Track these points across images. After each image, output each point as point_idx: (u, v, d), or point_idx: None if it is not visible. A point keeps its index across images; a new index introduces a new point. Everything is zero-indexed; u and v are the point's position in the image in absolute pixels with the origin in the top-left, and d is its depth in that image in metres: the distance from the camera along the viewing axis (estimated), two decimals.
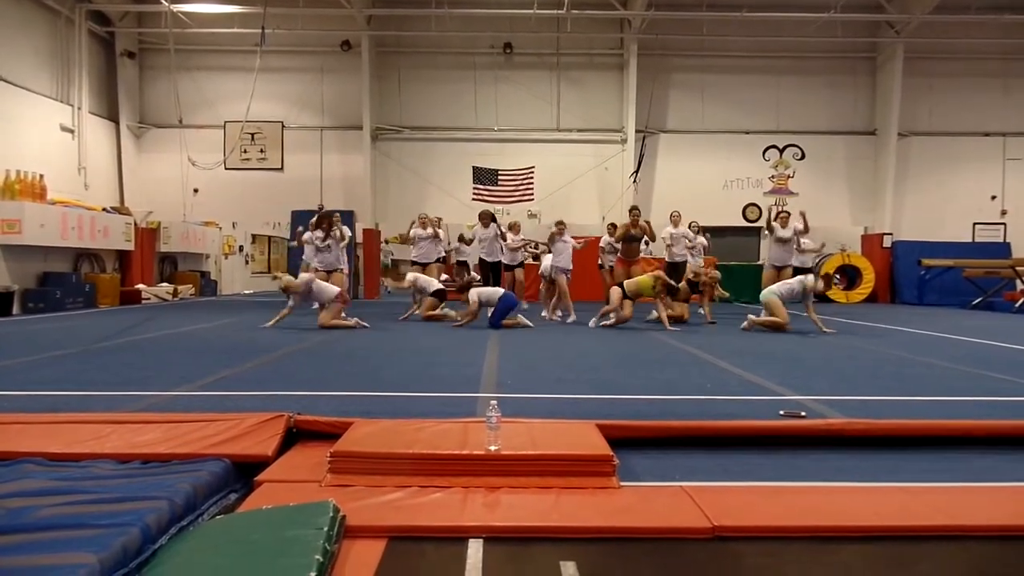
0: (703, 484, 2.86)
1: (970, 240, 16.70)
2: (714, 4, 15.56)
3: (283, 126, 16.82)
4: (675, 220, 11.27)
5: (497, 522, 2.45)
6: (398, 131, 16.90)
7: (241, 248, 18.95)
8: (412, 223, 11.31)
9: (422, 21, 15.97)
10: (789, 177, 17.04)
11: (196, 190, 16.91)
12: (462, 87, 16.85)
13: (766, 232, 10.44)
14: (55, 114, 14.20)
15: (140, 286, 14.24)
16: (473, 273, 11.59)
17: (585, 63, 17.00)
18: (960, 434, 3.53)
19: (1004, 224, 16.88)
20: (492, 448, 2.88)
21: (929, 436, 3.49)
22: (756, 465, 3.16)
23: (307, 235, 10.98)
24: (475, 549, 2.29)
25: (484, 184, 16.65)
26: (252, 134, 16.64)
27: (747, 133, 16.99)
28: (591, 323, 9.08)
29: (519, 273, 11.65)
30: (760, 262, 10.66)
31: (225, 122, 16.58)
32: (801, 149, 17.03)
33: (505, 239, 11.14)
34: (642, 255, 11.00)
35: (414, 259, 10.88)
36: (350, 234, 11.43)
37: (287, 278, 8.43)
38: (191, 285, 15.94)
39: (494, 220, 11.12)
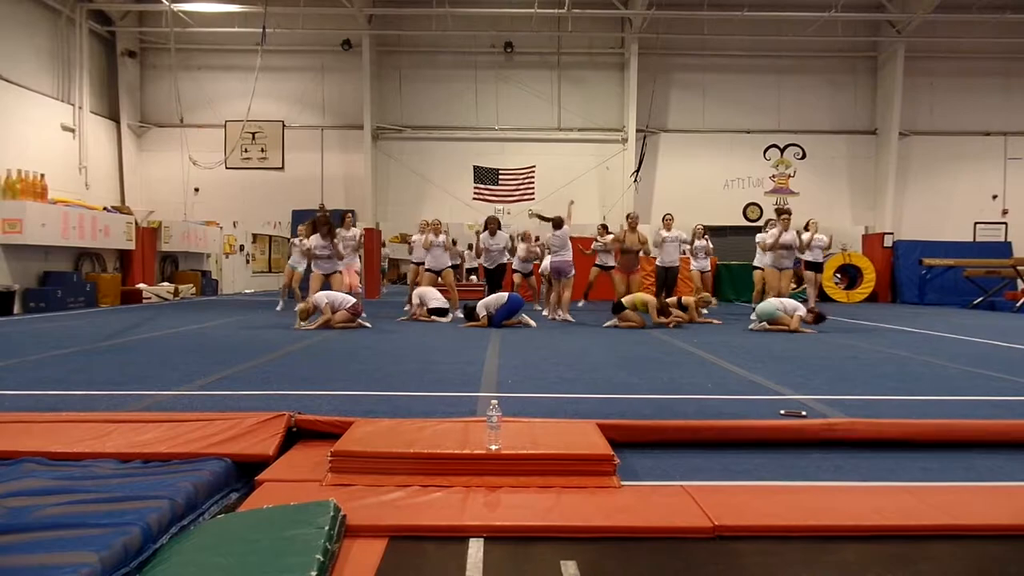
0: (704, 484, 2.86)
1: (971, 239, 16.69)
2: (715, 3, 15.55)
3: (284, 125, 16.82)
4: (668, 223, 11.05)
5: (498, 521, 2.45)
6: (399, 130, 16.91)
7: (242, 247, 18.96)
8: (423, 227, 11.28)
9: (423, 20, 15.97)
10: (790, 176, 17.04)
11: (197, 189, 16.92)
12: (463, 86, 16.85)
13: (762, 236, 10.33)
14: (56, 113, 14.21)
15: (141, 285, 14.25)
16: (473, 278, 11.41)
17: (586, 62, 17.00)
18: (960, 434, 3.53)
19: (1005, 223, 16.87)
20: (493, 447, 2.88)
21: (929, 436, 3.49)
22: (757, 465, 3.16)
23: (302, 241, 10.90)
24: (476, 548, 2.29)
25: (485, 183, 16.65)
26: (253, 133, 16.64)
27: (748, 132, 16.99)
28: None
29: (531, 280, 11.62)
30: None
31: (226, 121, 16.58)
32: (802, 148, 17.02)
33: (515, 252, 11.01)
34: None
35: (428, 267, 10.73)
36: (361, 231, 11.21)
37: (304, 306, 8.56)
38: (192, 284, 15.95)
39: (500, 228, 10.54)
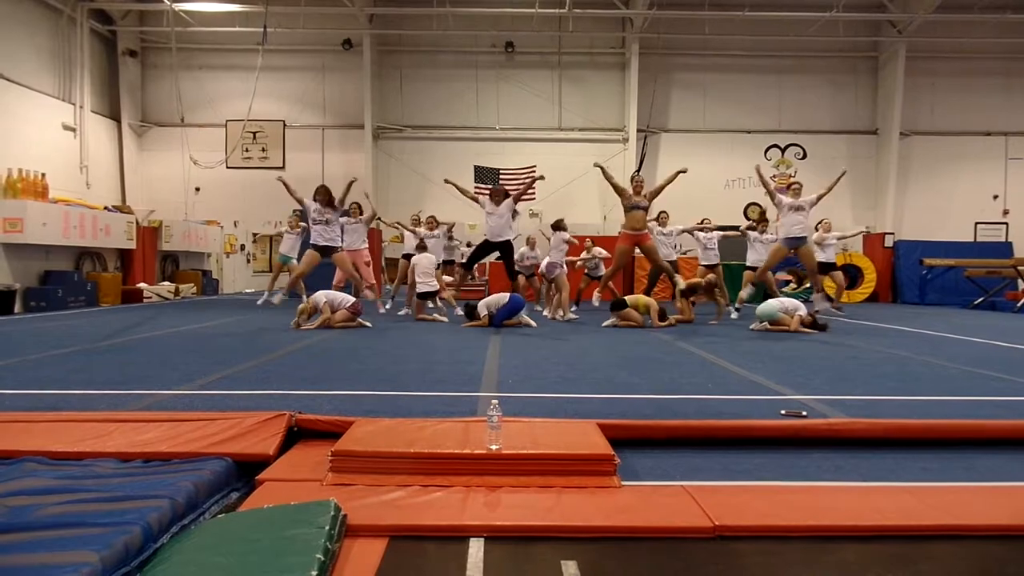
0: (704, 484, 2.86)
1: (972, 240, 16.68)
2: (716, 3, 15.55)
3: (285, 125, 16.83)
4: (663, 220, 11.01)
5: (498, 521, 2.45)
6: (399, 130, 16.91)
7: (243, 247, 18.96)
8: (416, 221, 11.29)
9: (424, 20, 15.98)
10: (791, 176, 17.02)
11: (198, 189, 16.94)
12: (464, 86, 16.85)
13: (755, 234, 10.29)
14: (57, 113, 14.22)
15: (142, 285, 14.25)
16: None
17: (587, 62, 17.00)
18: (960, 434, 3.53)
19: (1006, 224, 16.87)
20: (493, 447, 2.88)
21: (929, 436, 3.49)
22: (757, 465, 3.17)
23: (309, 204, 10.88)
24: (476, 548, 2.29)
25: (486, 183, 16.63)
26: (254, 133, 16.65)
27: (749, 132, 16.99)
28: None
29: (534, 281, 11.58)
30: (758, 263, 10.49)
31: (227, 121, 16.59)
32: (803, 148, 17.03)
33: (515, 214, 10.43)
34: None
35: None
36: (370, 211, 11.08)
37: (304, 306, 8.46)
38: (193, 284, 15.95)
39: (508, 196, 9.18)
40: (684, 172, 9.16)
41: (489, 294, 9.85)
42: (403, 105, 16.98)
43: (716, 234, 10.93)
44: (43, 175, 12.11)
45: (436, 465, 2.86)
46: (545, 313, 10.41)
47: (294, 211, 11.69)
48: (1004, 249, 16.01)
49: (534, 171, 16.65)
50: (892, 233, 16.32)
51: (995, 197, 16.98)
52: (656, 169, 16.94)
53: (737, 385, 4.82)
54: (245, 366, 5.43)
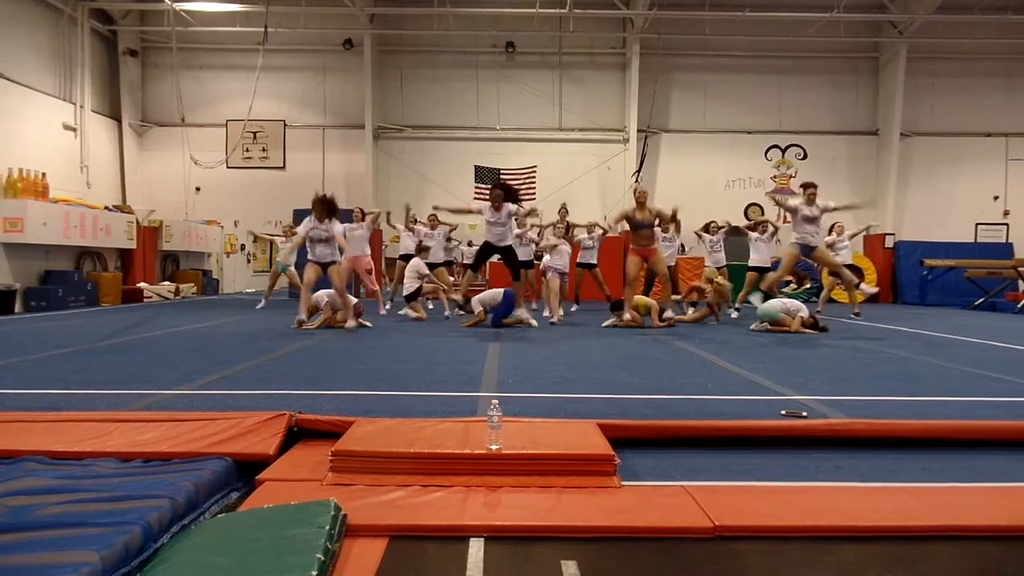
0: (704, 484, 2.86)
1: (972, 240, 16.68)
2: (716, 4, 15.55)
3: (285, 125, 16.83)
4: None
5: (498, 521, 2.45)
6: (400, 130, 16.92)
7: (243, 247, 18.97)
8: (415, 220, 11.30)
9: (424, 20, 15.98)
10: (791, 177, 17.04)
11: (198, 189, 16.95)
12: (464, 86, 16.86)
13: (756, 234, 10.32)
14: (57, 112, 14.22)
15: (142, 284, 14.26)
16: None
17: (587, 62, 17.00)
18: (960, 434, 3.53)
19: (1007, 224, 16.87)
20: (493, 447, 2.88)
21: (929, 436, 3.49)
22: (757, 465, 3.16)
23: (284, 242, 11.23)
24: (476, 548, 2.29)
25: (486, 183, 16.63)
26: (254, 133, 16.66)
27: (749, 133, 16.99)
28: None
29: (530, 274, 11.55)
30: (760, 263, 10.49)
31: (227, 121, 16.60)
32: (803, 149, 17.03)
33: (521, 226, 10.08)
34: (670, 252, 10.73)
35: (428, 262, 10.77)
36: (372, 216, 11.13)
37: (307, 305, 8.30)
38: (193, 284, 15.96)
39: (510, 199, 8.42)
40: (678, 209, 8.86)
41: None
42: (403, 105, 16.99)
43: (721, 235, 10.92)
44: (43, 175, 12.11)
45: (436, 465, 2.86)
46: (545, 314, 10.35)
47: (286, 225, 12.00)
48: (1004, 250, 16.01)
49: (534, 171, 16.73)
50: (892, 234, 16.33)
51: (995, 198, 16.98)
52: (656, 169, 16.95)
53: (737, 385, 4.82)
54: (245, 366, 5.43)
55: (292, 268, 11.53)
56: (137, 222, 14.57)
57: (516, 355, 6.21)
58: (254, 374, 5.09)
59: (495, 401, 2.97)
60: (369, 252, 10.21)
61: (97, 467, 2.84)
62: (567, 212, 11.87)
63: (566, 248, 10.38)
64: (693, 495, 2.66)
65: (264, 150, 16.87)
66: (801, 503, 2.65)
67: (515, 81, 16.92)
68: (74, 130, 14.73)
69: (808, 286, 12.19)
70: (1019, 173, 16.87)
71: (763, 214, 16.28)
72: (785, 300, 8.92)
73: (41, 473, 2.74)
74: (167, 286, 14.96)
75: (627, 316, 8.53)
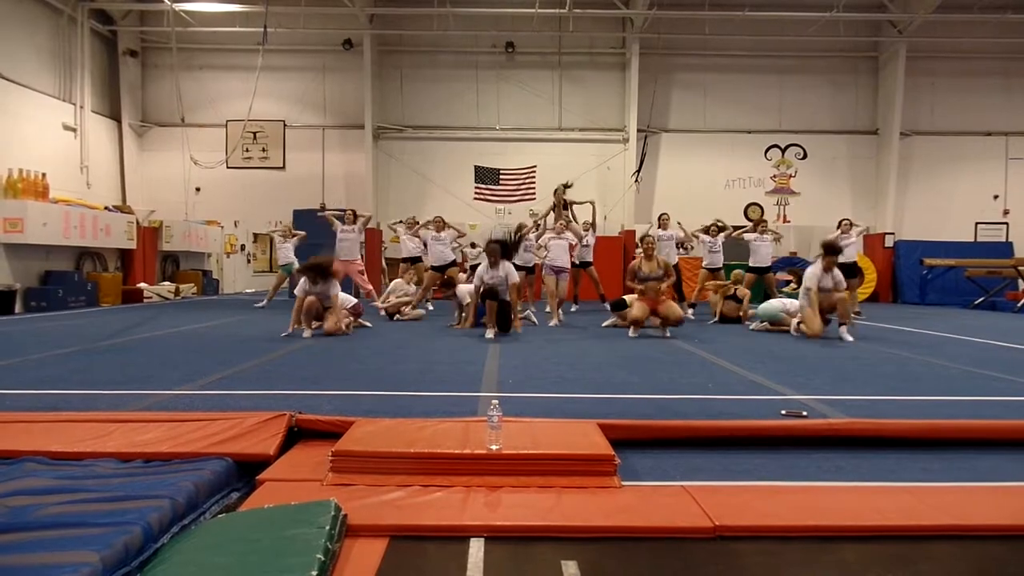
0: (705, 484, 2.86)
1: (972, 240, 16.67)
2: (716, 3, 15.54)
3: (285, 125, 16.82)
4: (664, 223, 10.90)
5: (498, 521, 2.45)
6: (400, 130, 16.91)
7: (243, 247, 18.96)
8: (418, 223, 11.33)
9: (424, 20, 15.97)
10: (791, 177, 17.03)
11: (198, 189, 16.93)
12: (464, 86, 16.85)
13: (752, 235, 10.37)
14: (57, 113, 14.22)
15: (142, 285, 14.26)
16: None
17: (587, 62, 16.99)
18: (961, 434, 3.53)
19: (1006, 224, 16.86)
20: (493, 447, 2.88)
21: (929, 436, 3.49)
22: (758, 465, 3.17)
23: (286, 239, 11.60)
24: (476, 548, 2.29)
25: (486, 183, 16.65)
26: (254, 133, 16.65)
27: (749, 132, 16.98)
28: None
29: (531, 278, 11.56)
30: (759, 265, 10.49)
31: (227, 121, 16.59)
32: (803, 149, 17.01)
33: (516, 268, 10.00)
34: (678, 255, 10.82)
35: (433, 264, 10.79)
36: (364, 219, 11.39)
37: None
38: (193, 284, 15.96)
39: (506, 255, 8.08)
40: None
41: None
42: (403, 105, 16.98)
43: (721, 236, 10.90)
44: (43, 175, 12.11)
45: (436, 465, 2.86)
46: (547, 310, 10.27)
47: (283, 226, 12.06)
48: (1004, 249, 16.00)
49: (534, 171, 16.71)
50: (892, 233, 16.31)
51: (995, 197, 16.97)
52: (656, 169, 16.93)
53: (737, 385, 4.82)
54: (245, 366, 5.43)
55: (295, 268, 11.53)
56: (137, 222, 14.57)
57: (516, 355, 6.21)
58: (254, 374, 5.09)
59: (495, 401, 2.97)
60: (360, 256, 10.30)
61: (97, 467, 2.84)
62: (564, 190, 11.86)
63: (563, 243, 10.14)
64: (693, 495, 2.67)
65: (264, 150, 16.87)
66: (801, 503, 2.65)
67: (515, 81, 16.91)
68: (74, 130, 14.72)
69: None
70: (1019, 172, 16.86)
71: (763, 214, 16.31)
72: (785, 300, 8.93)
73: (41, 473, 2.75)
74: (167, 286, 14.95)
75: (632, 334, 7.98)
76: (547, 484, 2.77)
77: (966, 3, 15.39)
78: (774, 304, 8.66)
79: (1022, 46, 16.23)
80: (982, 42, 16.13)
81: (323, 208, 13.35)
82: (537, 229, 10.85)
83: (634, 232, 15.94)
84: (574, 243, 10.44)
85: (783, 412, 3.84)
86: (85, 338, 7.32)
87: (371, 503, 2.56)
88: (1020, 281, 14.19)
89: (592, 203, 12.14)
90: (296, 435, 3.35)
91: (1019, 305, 12.86)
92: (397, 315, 9.66)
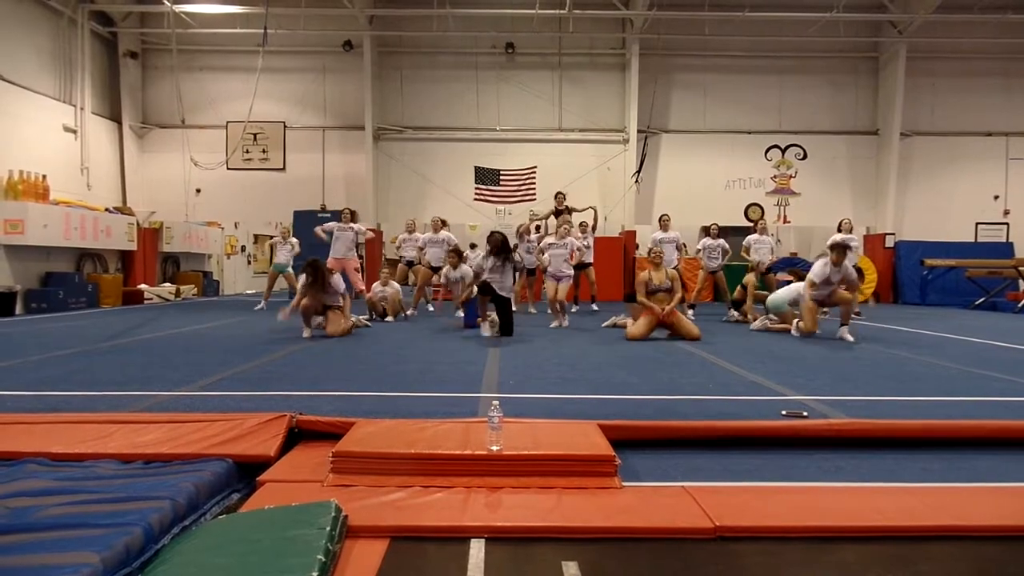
0: (705, 484, 2.86)
1: (973, 240, 16.66)
2: (716, 4, 15.54)
3: (285, 126, 16.83)
4: (664, 224, 10.92)
5: (499, 522, 2.45)
6: (400, 131, 16.91)
7: (243, 248, 18.97)
8: (423, 225, 11.35)
9: (424, 21, 15.98)
10: (791, 177, 17.02)
11: (198, 190, 16.93)
12: (464, 87, 16.85)
13: (751, 237, 10.35)
14: (58, 114, 14.22)
15: (142, 286, 14.26)
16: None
17: (587, 63, 17.00)
18: (961, 434, 3.53)
19: (1007, 224, 16.85)
20: (494, 448, 2.88)
21: (930, 436, 3.49)
22: (758, 465, 3.17)
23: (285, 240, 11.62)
24: (477, 549, 2.30)
25: (486, 184, 16.64)
26: (254, 134, 16.66)
27: (749, 133, 16.97)
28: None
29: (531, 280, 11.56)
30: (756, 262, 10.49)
31: (227, 122, 16.59)
32: (803, 149, 17.01)
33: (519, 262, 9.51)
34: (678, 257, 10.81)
35: (432, 264, 10.80)
36: (363, 228, 11.50)
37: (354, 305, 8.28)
38: (193, 285, 15.96)
39: (505, 251, 8.05)
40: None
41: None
42: (403, 106, 16.98)
43: (720, 243, 10.90)
44: (44, 177, 12.12)
45: (437, 466, 2.86)
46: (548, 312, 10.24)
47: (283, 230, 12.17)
48: (1005, 249, 15.99)
49: (534, 172, 16.71)
50: (893, 233, 16.31)
51: (996, 197, 16.96)
52: (656, 169, 16.93)
53: (737, 385, 4.82)
54: (246, 367, 5.44)
55: (290, 270, 11.55)
56: (137, 224, 14.57)
57: (516, 356, 6.21)
58: (255, 375, 5.09)
59: (496, 402, 2.97)
60: (355, 254, 10.33)
61: (98, 468, 2.84)
62: (564, 197, 11.92)
63: (563, 251, 10.05)
64: (694, 495, 2.67)
65: (264, 151, 16.87)
66: (801, 503, 2.65)
67: (515, 82, 16.92)
68: (74, 132, 14.73)
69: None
70: (1019, 172, 16.85)
71: (763, 215, 16.31)
72: (792, 287, 8.81)
73: (42, 475, 2.75)
74: (167, 288, 14.96)
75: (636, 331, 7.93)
76: (548, 485, 2.77)
77: (966, 3, 15.40)
78: (781, 295, 8.59)
79: (1022, 46, 16.22)
80: (982, 42, 16.13)
81: (323, 208, 13.36)
82: (538, 231, 10.85)
83: (634, 233, 15.95)
84: (573, 250, 10.37)
85: (783, 412, 3.84)
86: (86, 339, 7.32)
87: (372, 504, 2.56)
88: (1021, 281, 14.18)
89: (594, 208, 12.16)
90: (296, 436, 3.35)
91: (1019, 305, 12.85)
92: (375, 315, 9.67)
